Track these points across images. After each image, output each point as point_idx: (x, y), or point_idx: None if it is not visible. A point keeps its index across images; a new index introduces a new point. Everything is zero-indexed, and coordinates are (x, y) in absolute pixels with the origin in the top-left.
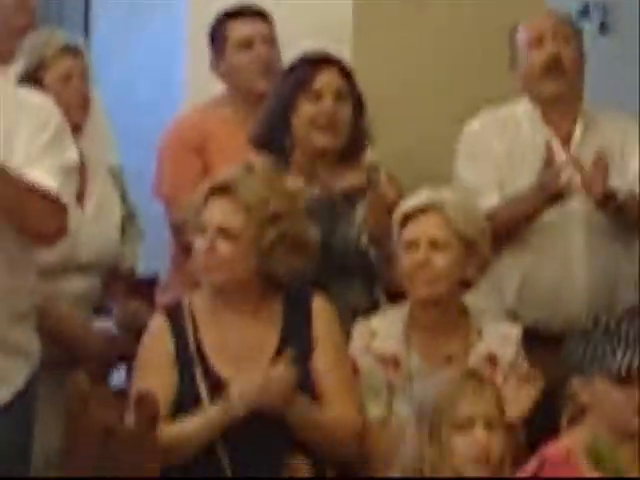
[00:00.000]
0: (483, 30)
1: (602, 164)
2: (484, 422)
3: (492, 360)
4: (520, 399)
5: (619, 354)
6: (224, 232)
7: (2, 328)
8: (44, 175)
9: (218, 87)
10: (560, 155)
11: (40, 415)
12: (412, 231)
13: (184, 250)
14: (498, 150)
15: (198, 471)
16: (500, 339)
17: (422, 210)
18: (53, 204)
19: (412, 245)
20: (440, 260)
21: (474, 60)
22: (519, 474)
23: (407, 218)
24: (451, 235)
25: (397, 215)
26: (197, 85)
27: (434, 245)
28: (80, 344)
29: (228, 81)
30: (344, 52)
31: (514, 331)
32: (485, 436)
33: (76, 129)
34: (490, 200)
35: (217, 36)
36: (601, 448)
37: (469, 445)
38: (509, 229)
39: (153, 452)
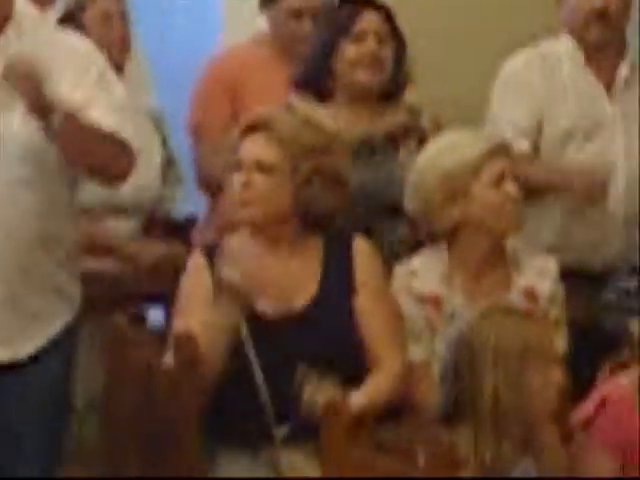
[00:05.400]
0: None
1: None
2: None
3: (531, 295)
4: None
5: None
6: (260, 166)
7: (48, 272)
8: (102, 116)
9: (255, 26)
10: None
11: (80, 357)
12: (499, 167)
13: (202, 187)
14: (539, 89)
15: (236, 402)
16: (538, 273)
17: (498, 147)
18: (120, 144)
19: (500, 180)
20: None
21: None
22: (577, 412)
23: (489, 155)
24: None
25: (473, 152)
26: (234, 24)
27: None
28: (135, 260)
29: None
30: None
31: (551, 265)
32: None
33: (117, 70)
34: (522, 144)
35: None
36: None
37: None
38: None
39: (193, 392)
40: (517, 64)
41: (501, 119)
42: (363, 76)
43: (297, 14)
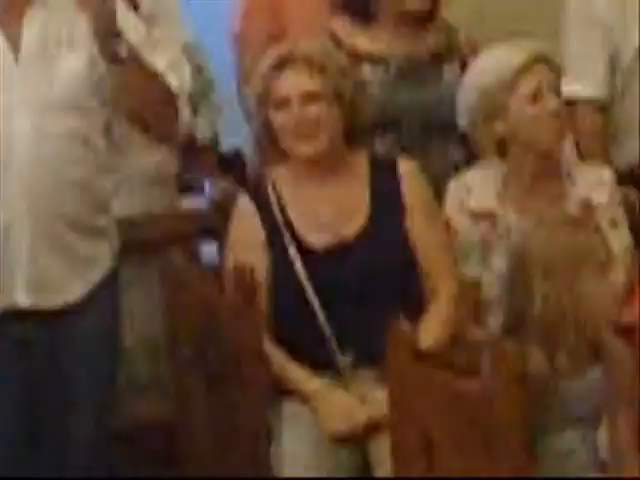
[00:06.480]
0: None
1: None
2: None
3: (587, 205)
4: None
5: None
6: (310, 97)
7: (88, 215)
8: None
9: None
10: None
11: (128, 299)
12: (535, 81)
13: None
14: (610, 17)
15: (297, 335)
16: (593, 184)
17: (536, 60)
18: (169, 91)
19: (538, 94)
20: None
21: None
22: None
23: (523, 71)
24: None
25: (508, 68)
26: None
27: (557, 92)
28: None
29: None
30: None
31: (606, 173)
32: None
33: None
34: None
35: None
36: None
37: None
38: None
39: (255, 324)
40: None
41: (576, 71)
42: (411, 5)
43: None
